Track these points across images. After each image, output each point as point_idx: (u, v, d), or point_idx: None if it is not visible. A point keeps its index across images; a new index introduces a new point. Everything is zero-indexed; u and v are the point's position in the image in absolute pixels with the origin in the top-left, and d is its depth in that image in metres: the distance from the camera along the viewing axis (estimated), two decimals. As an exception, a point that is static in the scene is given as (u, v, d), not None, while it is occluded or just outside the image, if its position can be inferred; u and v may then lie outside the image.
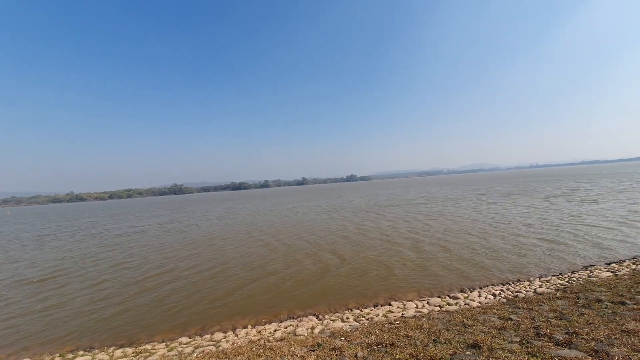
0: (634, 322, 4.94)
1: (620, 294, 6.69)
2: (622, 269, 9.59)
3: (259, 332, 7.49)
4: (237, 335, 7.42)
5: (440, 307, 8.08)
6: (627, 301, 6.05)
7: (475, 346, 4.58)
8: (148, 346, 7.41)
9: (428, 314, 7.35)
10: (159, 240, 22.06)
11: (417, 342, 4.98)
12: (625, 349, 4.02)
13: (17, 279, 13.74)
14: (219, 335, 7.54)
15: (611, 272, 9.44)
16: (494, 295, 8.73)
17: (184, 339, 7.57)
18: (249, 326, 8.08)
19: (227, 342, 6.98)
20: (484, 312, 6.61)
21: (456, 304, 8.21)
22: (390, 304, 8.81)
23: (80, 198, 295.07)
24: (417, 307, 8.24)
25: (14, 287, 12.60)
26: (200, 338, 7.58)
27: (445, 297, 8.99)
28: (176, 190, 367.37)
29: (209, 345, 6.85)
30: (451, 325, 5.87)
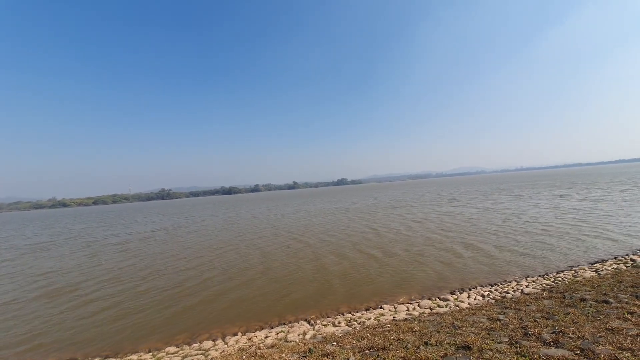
0: (617, 320, 5.07)
1: (604, 292, 6.88)
2: (605, 269, 9.88)
3: (249, 339, 7.33)
4: (226, 343, 7.25)
5: (431, 309, 8.11)
6: (611, 300, 6.22)
7: (466, 347, 4.61)
8: (134, 356, 7.16)
9: (419, 316, 7.37)
10: (164, 248, 21.13)
11: (409, 345, 4.98)
12: (610, 347, 4.12)
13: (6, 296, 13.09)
14: (208, 344, 7.35)
15: (594, 271, 9.71)
16: (483, 296, 8.84)
17: (172, 349, 7.35)
18: (239, 333, 7.90)
19: (216, 350, 6.81)
20: (473, 313, 6.68)
21: (446, 305, 8.26)
22: (381, 307, 8.79)
23: (63, 204, 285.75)
24: (408, 310, 8.26)
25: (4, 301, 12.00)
26: (188, 347, 7.38)
27: (435, 299, 9.04)
28: (164, 195, 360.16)
29: (197, 355, 6.67)
30: (442, 327, 5.90)
